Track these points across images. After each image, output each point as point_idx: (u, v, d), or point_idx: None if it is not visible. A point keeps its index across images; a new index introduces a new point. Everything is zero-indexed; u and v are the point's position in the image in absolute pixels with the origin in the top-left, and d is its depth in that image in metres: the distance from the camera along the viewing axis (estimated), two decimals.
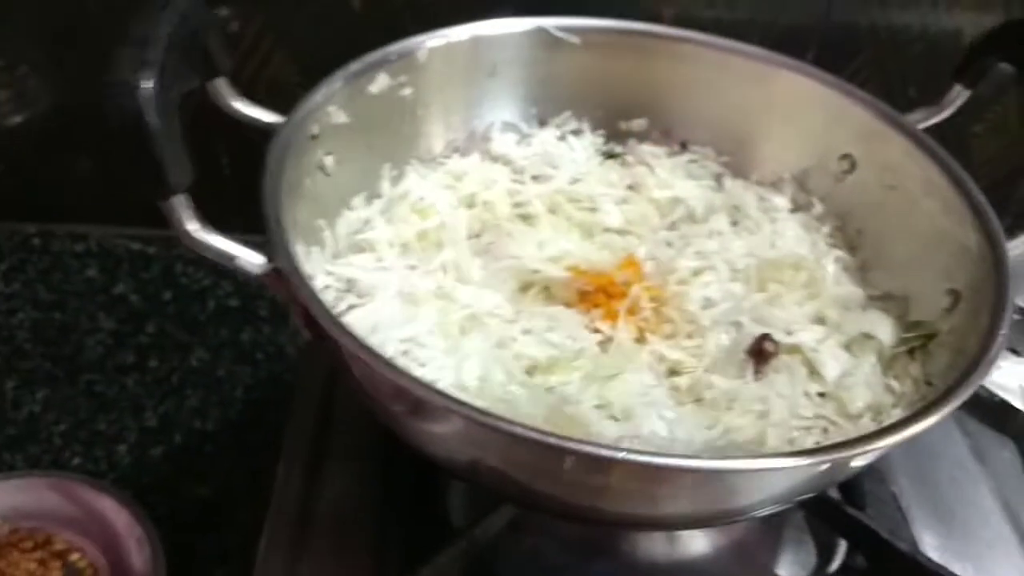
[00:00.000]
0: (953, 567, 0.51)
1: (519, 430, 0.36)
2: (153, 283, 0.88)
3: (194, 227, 0.42)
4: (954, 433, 0.61)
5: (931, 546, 0.55)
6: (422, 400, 0.38)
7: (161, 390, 0.82)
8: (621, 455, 0.35)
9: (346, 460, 0.57)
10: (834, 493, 0.56)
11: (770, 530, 0.56)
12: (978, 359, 0.44)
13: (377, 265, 0.55)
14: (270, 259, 0.43)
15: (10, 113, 0.81)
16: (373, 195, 0.60)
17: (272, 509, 0.54)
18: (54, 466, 0.75)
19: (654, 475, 0.38)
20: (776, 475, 0.41)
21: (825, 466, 0.40)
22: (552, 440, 0.36)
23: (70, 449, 0.77)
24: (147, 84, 0.38)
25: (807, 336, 0.53)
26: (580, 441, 0.36)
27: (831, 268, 0.57)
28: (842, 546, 0.55)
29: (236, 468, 0.76)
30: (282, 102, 0.54)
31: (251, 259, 0.43)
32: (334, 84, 0.55)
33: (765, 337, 0.51)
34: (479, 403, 0.45)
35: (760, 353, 0.51)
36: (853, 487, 0.56)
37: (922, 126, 0.58)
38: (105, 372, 0.83)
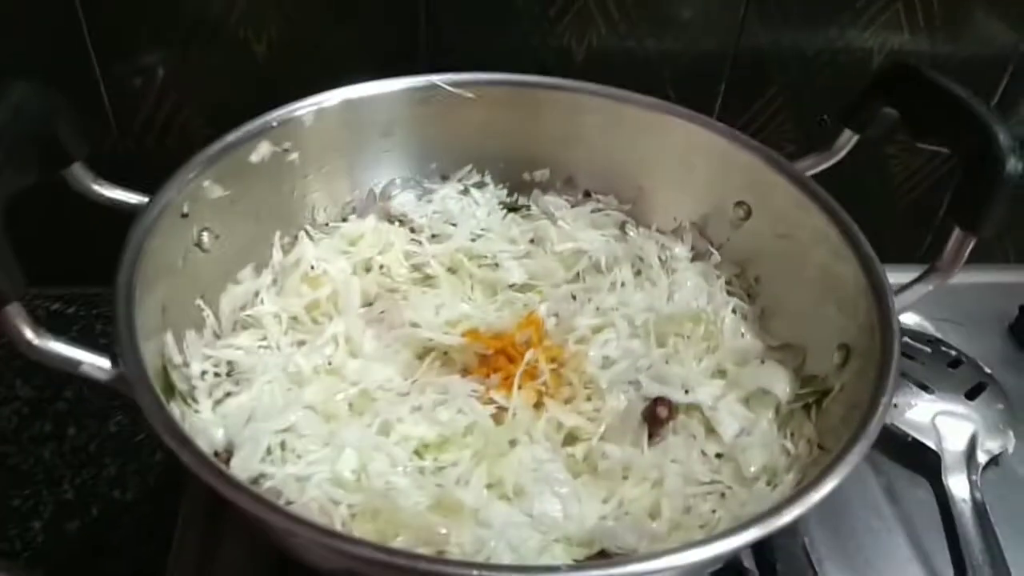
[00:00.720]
0: None
1: (364, 551, 0.34)
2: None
3: (32, 336, 0.40)
4: (867, 475, 0.60)
5: None
6: (267, 522, 0.36)
7: (78, 460, 0.79)
8: (474, 574, 0.33)
9: (241, 542, 0.55)
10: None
11: None
12: (866, 420, 0.43)
13: (261, 344, 0.53)
14: (116, 363, 0.41)
15: None
16: (262, 265, 0.58)
17: None
18: None
19: None
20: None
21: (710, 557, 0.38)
22: (401, 561, 0.34)
23: None
24: None
25: (705, 393, 0.52)
26: (430, 560, 0.34)
27: (729, 319, 0.56)
28: None
29: (154, 538, 0.73)
30: (194, 153, 0.53)
31: (97, 363, 0.41)
32: (205, 159, 0.53)
33: (659, 401, 0.50)
34: (355, 498, 0.44)
35: (654, 418, 0.50)
36: (761, 542, 0.55)
37: (812, 172, 0.57)
38: (20, 443, 0.80)
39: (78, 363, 0.41)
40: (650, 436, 0.50)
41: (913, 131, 0.52)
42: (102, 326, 0.85)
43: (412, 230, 0.63)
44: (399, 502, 0.44)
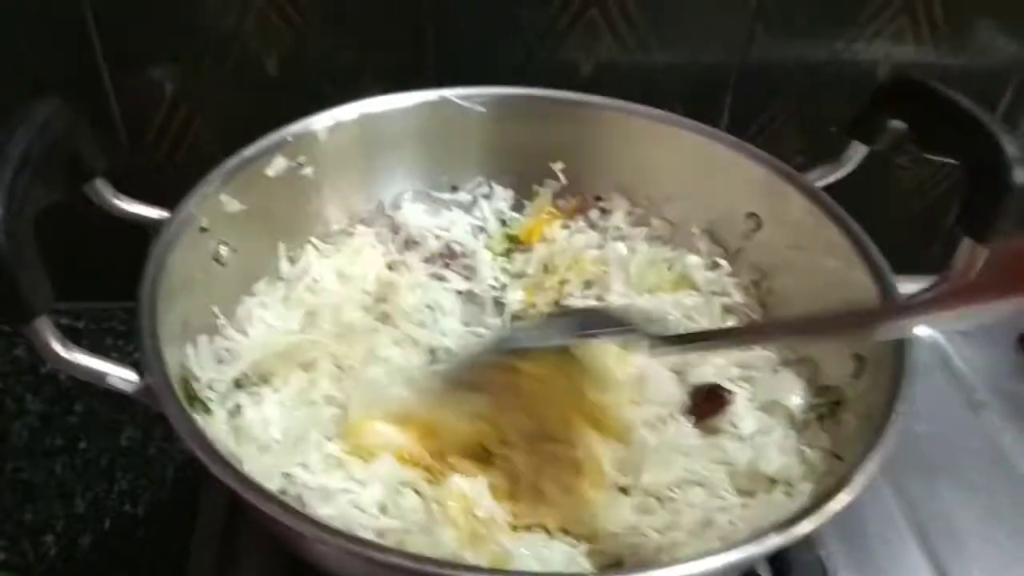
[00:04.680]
0: None
1: (396, 560, 0.34)
2: None
3: (60, 348, 0.41)
4: (880, 485, 0.60)
5: None
6: (297, 533, 0.36)
7: (90, 473, 0.79)
8: None
9: (257, 557, 0.55)
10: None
11: None
12: (882, 430, 0.44)
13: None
14: (143, 374, 0.41)
15: None
16: (276, 278, 0.59)
17: None
18: None
19: None
20: None
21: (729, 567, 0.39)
22: (430, 569, 0.34)
23: None
24: None
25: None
26: (460, 568, 0.34)
27: None
28: None
29: (167, 554, 0.73)
30: (204, 169, 0.54)
31: (123, 376, 0.42)
32: (223, 173, 0.53)
33: (717, 386, 0.51)
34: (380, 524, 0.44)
35: (714, 401, 0.50)
36: (778, 555, 0.55)
37: (822, 183, 0.57)
38: (32, 457, 0.80)
39: (104, 375, 0.41)
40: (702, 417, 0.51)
41: (921, 143, 0.53)
42: (112, 340, 0.85)
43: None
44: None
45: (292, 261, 0.60)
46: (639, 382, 0.53)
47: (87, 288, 0.78)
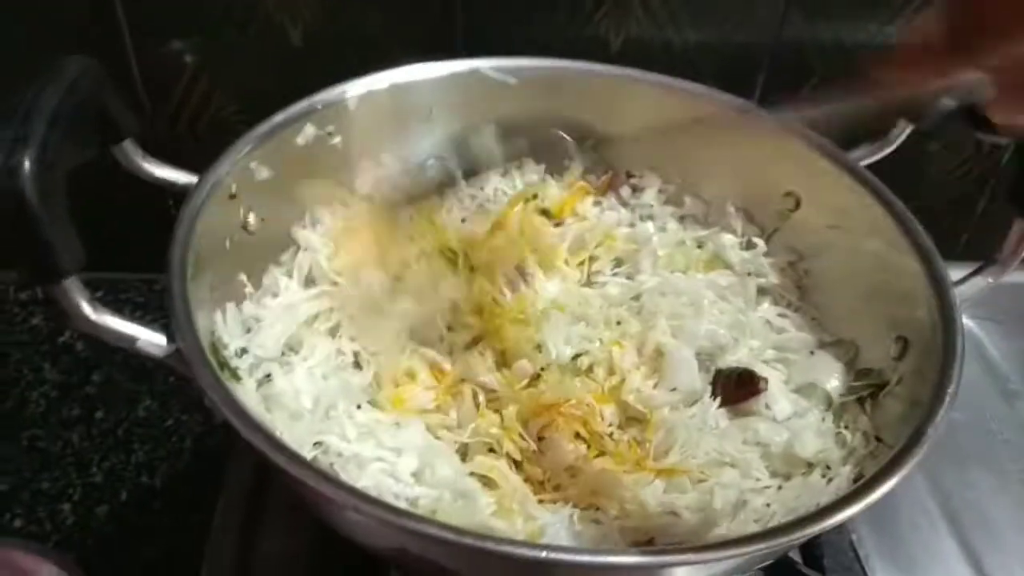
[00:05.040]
0: None
1: (435, 531, 0.33)
2: None
3: (90, 311, 0.40)
4: (914, 474, 0.59)
5: None
6: (333, 501, 0.35)
7: (107, 444, 0.79)
8: (543, 555, 0.33)
9: (282, 527, 0.55)
10: None
11: None
12: (932, 413, 0.42)
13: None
14: (172, 339, 0.41)
15: None
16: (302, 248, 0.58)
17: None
18: None
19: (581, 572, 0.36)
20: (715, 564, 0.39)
21: (766, 551, 0.38)
22: (468, 541, 0.33)
23: (11, 510, 0.74)
24: (25, 164, 0.35)
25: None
26: (498, 540, 0.34)
27: (777, 313, 0.56)
28: None
29: (184, 524, 0.73)
30: (225, 140, 0.52)
31: (153, 340, 0.41)
32: (253, 139, 0.52)
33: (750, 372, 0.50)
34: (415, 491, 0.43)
35: (746, 388, 0.50)
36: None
37: (866, 162, 0.56)
38: (49, 426, 0.80)
39: (134, 339, 0.40)
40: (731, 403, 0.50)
41: (973, 121, 0.51)
42: (130, 311, 0.85)
43: None
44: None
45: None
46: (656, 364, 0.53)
47: (104, 259, 0.77)
